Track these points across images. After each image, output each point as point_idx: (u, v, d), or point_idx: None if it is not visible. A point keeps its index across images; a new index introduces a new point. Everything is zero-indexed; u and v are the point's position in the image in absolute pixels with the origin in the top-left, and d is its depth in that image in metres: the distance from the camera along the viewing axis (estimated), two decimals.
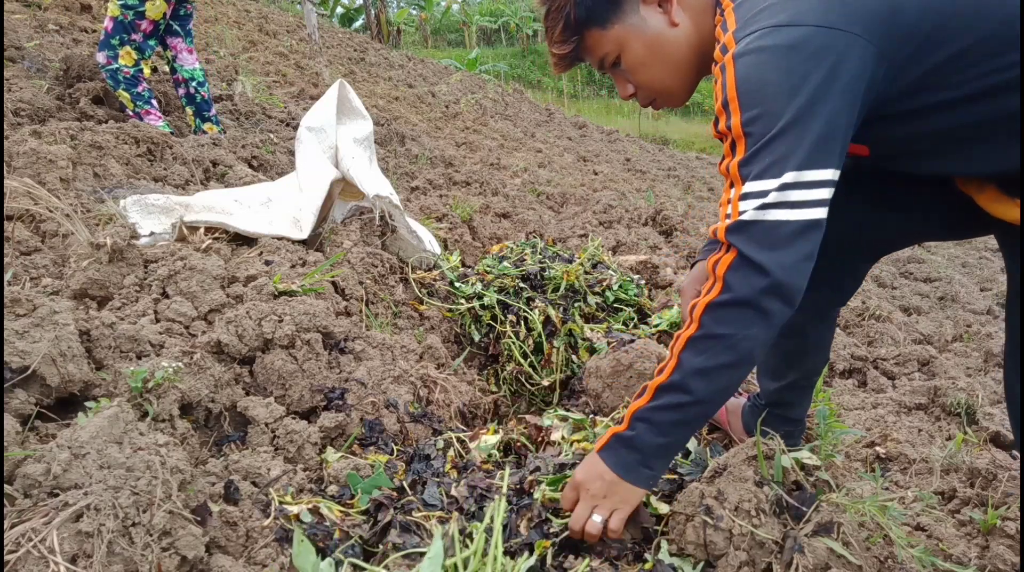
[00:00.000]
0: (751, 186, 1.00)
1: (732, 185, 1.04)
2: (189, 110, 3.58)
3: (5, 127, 2.58)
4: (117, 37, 3.17)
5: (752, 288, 0.99)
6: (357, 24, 19.43)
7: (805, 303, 1.39)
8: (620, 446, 1.12)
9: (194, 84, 3.53)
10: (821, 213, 0.99)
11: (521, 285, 2.30)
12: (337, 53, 9.48)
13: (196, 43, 4.06)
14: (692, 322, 1.05)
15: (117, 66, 3.19)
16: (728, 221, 1.03)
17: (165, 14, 3.27)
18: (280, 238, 2.05)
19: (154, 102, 3.33)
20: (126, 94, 3.25)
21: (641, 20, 1.19)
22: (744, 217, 1.00)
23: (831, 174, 0.99)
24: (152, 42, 3.30)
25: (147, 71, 3.35)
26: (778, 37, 0.98)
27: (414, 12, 23.51)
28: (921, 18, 0.98)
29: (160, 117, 3.35)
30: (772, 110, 0.98)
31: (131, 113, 3.29)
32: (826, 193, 0.99)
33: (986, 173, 1.10)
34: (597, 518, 1.14)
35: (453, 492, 1.30)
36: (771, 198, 0.98)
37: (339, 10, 19.41)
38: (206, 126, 3.59)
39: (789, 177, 0.97)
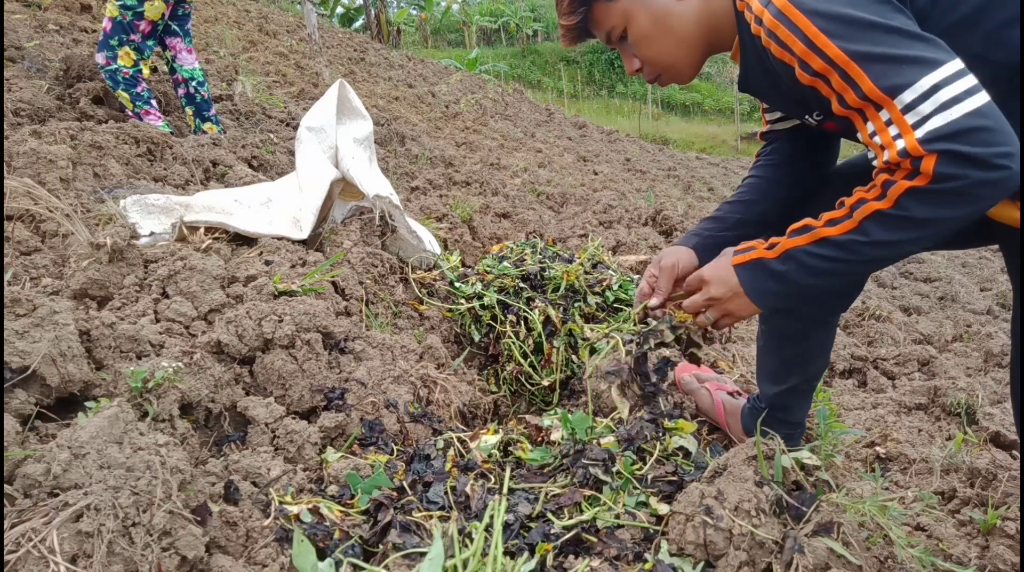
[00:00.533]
0: (910, 94, 0.92)
1: (878, 110, 0.97)
2: (189, 110, 3.57)
3: (5, 127, 2.58)
4: (116, 38, 3.17)
5: (974, 177, 0.90)
6: (357, 24, 19.44)
7: (807, 309, 1.38)
8: (760, 271, 1.16)
9: (194, 84, 3.52)
10: (985, 95, 0.92)
11: (521, 285, 2.30)
12: (337, 53, 9.48)
13: (196, 43, 4.06)
14: (887, 200, 0.98)
15: (116, 66, 3.19)
16: (913, 135, 0.93)
17: (164, 14, 3.27)
18: (280, 238, 2.05)
19: (153, 102, 3.33)
20: (125, 94, 3.24)
21: None
22: (934, 123, 0.91)
23: (959, 62, 0.93)
24: (151, 42, 3.30)
25: (146, 71, 3.35)
26: None
27: (414, 12, 23.52)
28: None
29: (160, 117, 3.35)
30: (868, 21, 0.94)
31: (131, 113, 3.29)
32: (973, 78, 0.92)
33: None
34: (710, 316, 1.27)
35: (455, 490, 1.30)
36: (948, 93, 0.90)
37: (339, 10, 19.41)
38: (206, 126, 3.58)
39: (932, 77, 0.91)
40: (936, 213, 0.95)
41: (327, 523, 1.18)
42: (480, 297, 2.26)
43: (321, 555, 1.10)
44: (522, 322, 2.21)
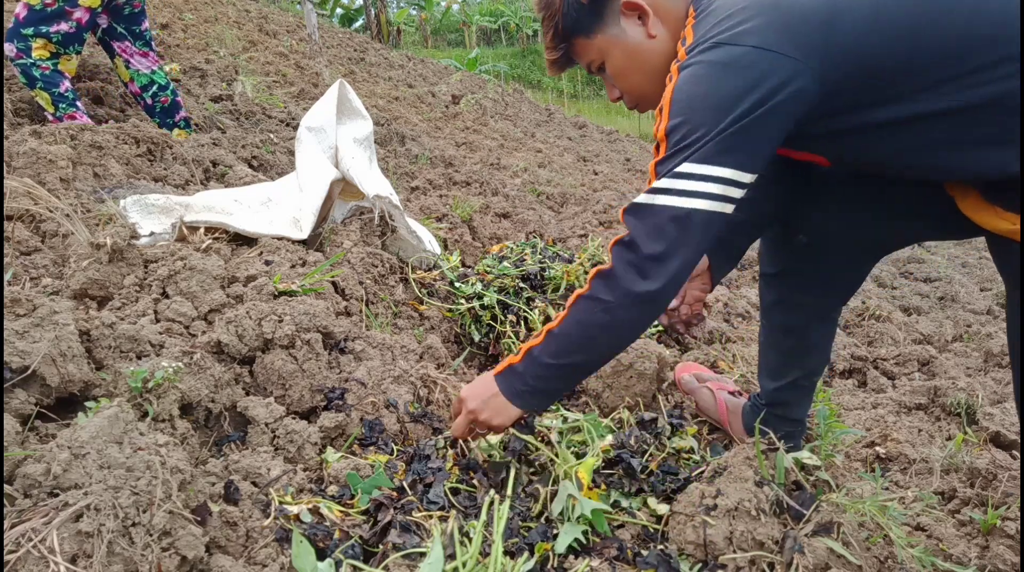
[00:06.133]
0: (658, 183, 1.08)
1: (648, 179, 1.12)
2: (155, 122, 3.22)
3: (5, 127, 2.58)
4: (31, 27, 2.69)
5: (629, 268, 1.09)
6: (357, 24, 19.44)
7: (807, 303, 1.40)
8: (510, 374, 1.25)
9: (153, 90, 3.17)
10: (710, 205, 1.04)
11: (521, 285, 2.30)
12: (337, 53, 9.48)
13: (196, 43, 3.98)
14: (587, 285, 1.16)
15: (31, 60, 2.71)
16: (626, 205, 1.13)
17: (101, 3, 2.83)
18: (280, 238, 2.05)
19: (80, 104, 2.87)
20: (45, 94, 2.76)
21: (621, 31, 1.26)
22: (638, 199, 1.10)
23: (730, 173, 1.03)
24: (86, 35, 2.87)
25: (71, 67, 2.86)
26: (716, 54, 1.05)
27: (414, 12, 23.51)
28: (858, 39, 1.01)
29: (87, 121, 2.85)
30: (693, 120, 1.04)
31: (51, 117, 2.79)
32: (719, 188, 1.04)
33: (956, 177, 1.11)
34: (467, 431, 1.32)
35: (455, 490, 1.30)
36: (662, 184, 1.06)
37: (339, 11, 19.40)
38: (175, 134, 3.22)
39: (683, 167, 1.04)
40: (607, 296, 1.11)
41: (327, 523, 1.18)
42: (480, 297, 2.26)
43: (321, 555, 1.10)
44: (522, 322, 2.20)
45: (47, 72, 2.75)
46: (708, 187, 1.03)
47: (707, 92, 1.04)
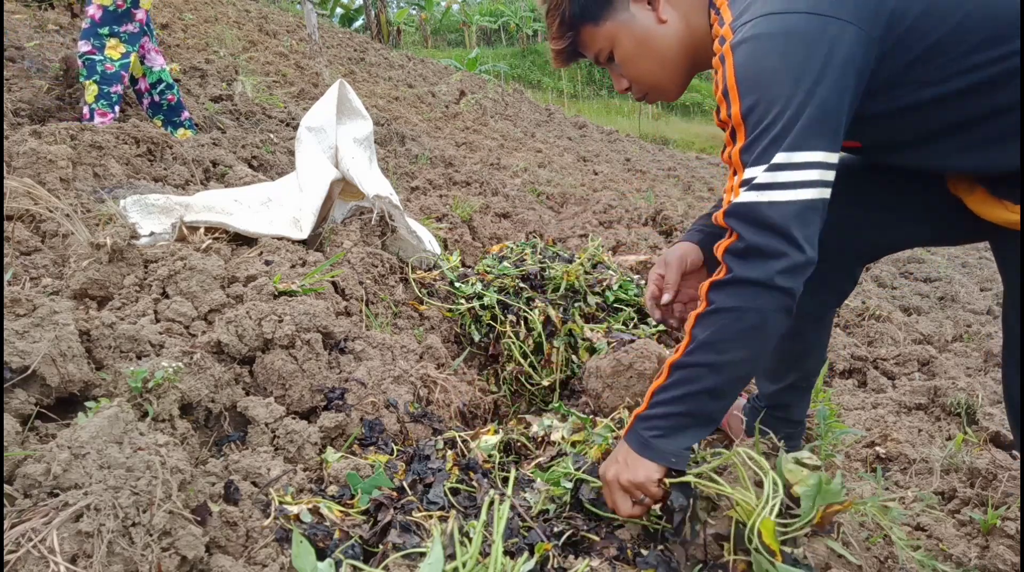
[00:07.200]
0: (749, 172, 1.02)
1: (735, 172, 1.06)
2: (157, 120, 3.25)
3: (5, 127, 2.58)
4: (107, 27, 2.87)
5: (753, 268, 1.02)
6: (357, 24, 19.43)
7: (802, 305, 1.40)
8: (639, 424, 1.15)
9: (161, 88, 3.23)
10: (815, 193, 1.01)
11: (521, 285, 2.30)
12: (337, 53, 9.48)
13: (196, 43, 3.98)
14: (701, 301, 1.09)
15: (101, 57, 2.88)
16: (726, 206, 1.06)
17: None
18: (280, 238, 2.05)
19: (117, 109, 2.97)
20: (95, 87, 2.89)
21: (631, 17, 1.23)
22: (740, 199, 1.03)
23: (823, 156, 1.00)
24: (144, 34, 3.01)
25: (135, 66, 3.00)
26: (772, 24, 1.01)
27: (414, 12, 23.52)
28: (907, 6, 1.00)
29: (109, 122, 2.93)
30: (769, 96, 1.00)
31: (84, 106, 2.92)
32: (818, 174, 1.00)
33: (967, 170, 1.11)
34: (627, 503, 1.16)
35: (455, 490, 1.30)
36: (763, 179, 1.00)
37: (339, 10, 19.40)
38: (179, 133, 3.25)
39: (779, 158, 0.99)
40: (733, 302, 1.04)
41: (327, 523, 1.18)
42: (480, 297, 2.26)
43: (321, 555, 1.10)
44: (522, 322, 2.20)
45: (110, 71, 2.91)
46: (809, 175, 0.99)
47: (774, 66, 1.00)
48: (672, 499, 1.14)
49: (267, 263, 1.90)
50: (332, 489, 1.29)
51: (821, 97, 0.98)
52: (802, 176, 0.99)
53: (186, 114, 3.38)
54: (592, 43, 1.28)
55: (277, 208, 2.21)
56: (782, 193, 1.00)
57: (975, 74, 1.00)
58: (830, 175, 1.02)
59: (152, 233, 1.91)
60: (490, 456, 1.49)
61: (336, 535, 1.16)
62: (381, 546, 1.16)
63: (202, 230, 2.01)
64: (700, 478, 1.14)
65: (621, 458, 1.17)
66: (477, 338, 2.23)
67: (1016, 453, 1.84)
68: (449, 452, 1.46)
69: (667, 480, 1.14)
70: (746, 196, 1.02)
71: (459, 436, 1.53)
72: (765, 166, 1.00)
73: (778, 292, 1.02)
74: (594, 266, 2.49)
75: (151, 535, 0.93)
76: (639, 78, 1.29)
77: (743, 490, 1.10)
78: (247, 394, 1.49)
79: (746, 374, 1.13)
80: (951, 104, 1.03)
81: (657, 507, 1.19)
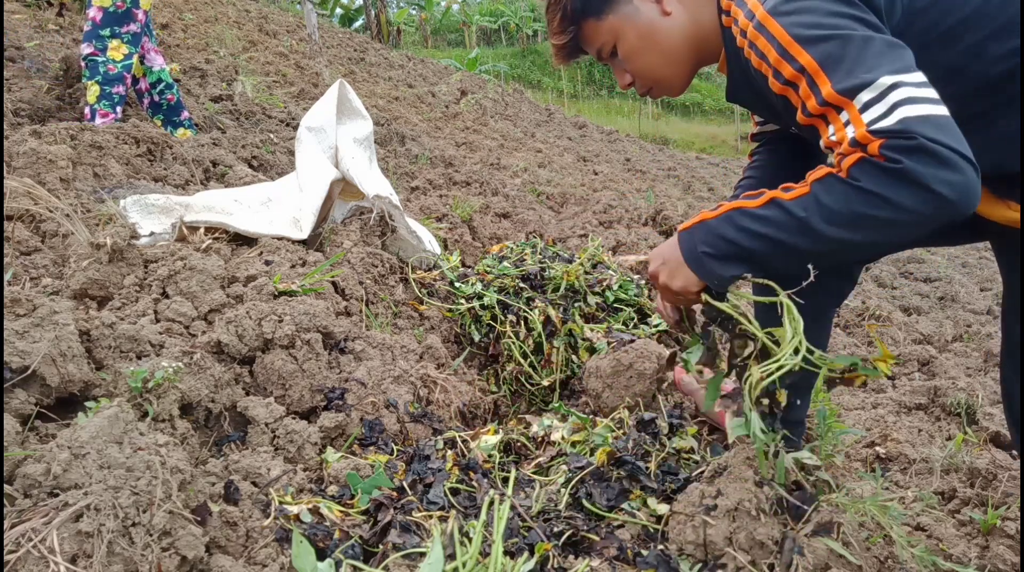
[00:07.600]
0: (868, 94, 0.92)
1: (838, 112, 0.96)
2: (157, 120, 3.26)
3: (5, 127, 2.58)
4: (108, 28, 2.89)
5: (927, 168, 0.88)
6: (357, 24, 19.43)
7: (801, 306, 1.39)
8: (700, 231, 1.09)
9: (161, 87, 3.25)
10: (938, 108, 0.92)
11: (521, 285, 2.30)
12: (337, 53, 9.48)
13: (196, 43, 3.99)
14: (838, 167, 0.97)
15: (104, 59, 2.90)
16: (865, 126, 0.92)
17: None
18: (280, 238, 2.05)
19: (119, 110, 2.98)
20: (97, 87, 2.90)
21: (634, 10, 1.22)
22: (897, 115, 0.90)
23: (922, 76, 0.94)
24: (145, 34, 3.04)
25: (137, 67, 3.02)
26: None
27: (414, 12, 23.52)
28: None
29: (110, 122, 2.96)
30: (838, 32, 0.95)
31: (87, 106, 2.93)
32: (928, 91, 0.92)
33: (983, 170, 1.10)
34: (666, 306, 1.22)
35: (455, 490, 1.30)
36: (906, 93, 0.90)
37: (339, 11, 19.41)
38: (179, 133, 3.26)
39: (897, 78, 0.92)
40: (883, 189, 0.91)
41: (327, 523, 1.18)
42: (480, 297, 2.26)
43: (321, 555, 1.10)
44: (522, 322, 2.20)
45: (112, 72, 2.92)
46: (930, 92, 0.92)
47: (825, 6, 0.97)
48: (705, 311, 1.15)
49: (267, 263, 1.90)
50: (332, 489, 1.29)
51: (876, 26, 0.97)
52: (928, 93, 0.92)
53: (186, 114, 3.39)
54: (594, 38, 1.27)
55: (277, 208, 2.21)
56: (927, 106, 0.90)
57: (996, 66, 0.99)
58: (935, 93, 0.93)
59: (152, 233, 1.91)
60: (490, 456, 1.49)
61: (336, 535, 1.16)
62: (381, 546, 1.16)
63: (202, 230, 2.01)
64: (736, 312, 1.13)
65: (668, 256, 1.14)
66: (477, 338, 2.23)
67: (1016, 453, 1.84)
68: (449, 452, 1.46)
69: (705, 297, 1.12)
70: (907, 110, 0.89)
71: (459, 436, 1.53)
72: (894, 80, 0.91)
73: (943, 202, 0.89)
74: (594, 266, 2.49)
75: (151, 535, 0.93)
76: (643, 72, 1.27)
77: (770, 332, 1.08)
78: (247, 394, 1.49)
79: (837, 261, 1.05)
80: (965, 100, 1.02)
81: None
